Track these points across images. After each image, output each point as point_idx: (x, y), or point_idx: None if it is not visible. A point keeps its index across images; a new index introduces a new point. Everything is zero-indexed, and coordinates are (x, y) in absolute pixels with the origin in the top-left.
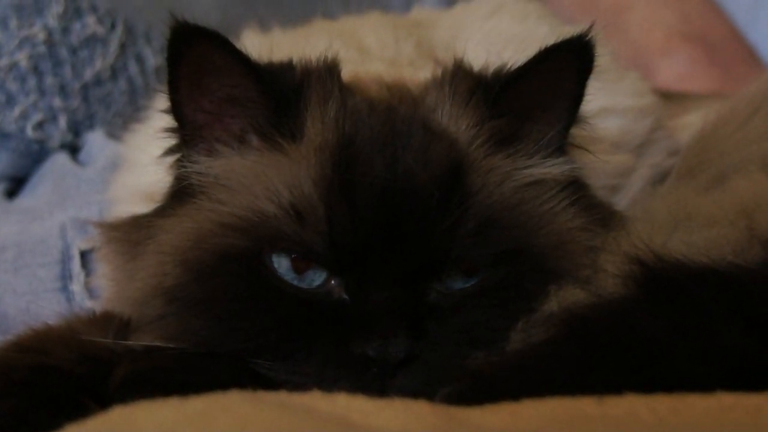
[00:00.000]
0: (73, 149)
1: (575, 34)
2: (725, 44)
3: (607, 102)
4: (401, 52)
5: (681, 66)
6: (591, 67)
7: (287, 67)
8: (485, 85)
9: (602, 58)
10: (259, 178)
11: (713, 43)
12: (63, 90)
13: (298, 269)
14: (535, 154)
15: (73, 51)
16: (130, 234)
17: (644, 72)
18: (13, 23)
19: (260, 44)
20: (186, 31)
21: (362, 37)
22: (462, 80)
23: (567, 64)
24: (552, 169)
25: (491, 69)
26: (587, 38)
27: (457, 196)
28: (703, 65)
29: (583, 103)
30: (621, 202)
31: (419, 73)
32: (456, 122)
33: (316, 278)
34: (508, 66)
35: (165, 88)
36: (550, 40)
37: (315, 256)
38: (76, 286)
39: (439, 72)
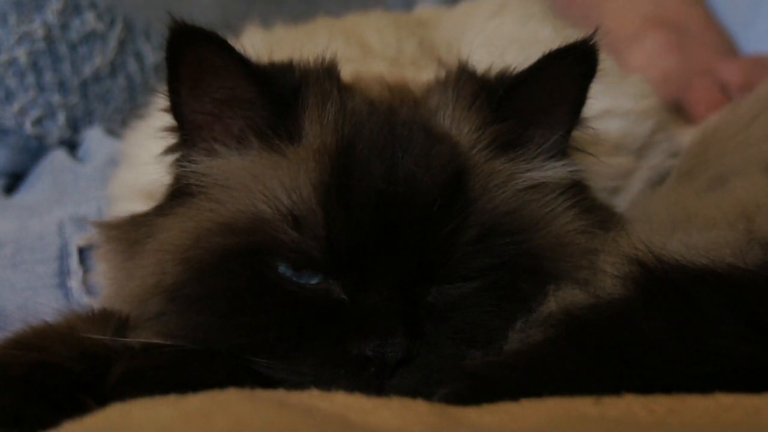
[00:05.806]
0: (72, 146)
1: (579, 39)
2: (697, 31)
3: (609, 104)
4: (403, 50)
5: (649, 50)
6: (594, 73)
7: (286, 68)
8: (489, 88)
9: (604, 60)
10: (258, 180)
11: (684, 30)
12: (62, 86)
13: (296, 267)
14: (536, 158)
15: (72, 47)
16: (129, 233)
17: (617, 59)
18: (12, 19)
19: (262, 41)
20: (185, 32)
21: (364, 35)
22: (466, 83)
23: (570, 70)
24: (553, 172)
25: (494, 72)
26: (591, 44)
27: (458, 201)
28: (669, 50)
29: (585, 105)
30: (621, 204)
31: (422, 73)
32: (458, 126)
33: (314, 276)
34: (512, 70)
35: (164, 87)
36: (553, 42)
37: (313, 262)
38: (74, 283)
39: (442, 73)
